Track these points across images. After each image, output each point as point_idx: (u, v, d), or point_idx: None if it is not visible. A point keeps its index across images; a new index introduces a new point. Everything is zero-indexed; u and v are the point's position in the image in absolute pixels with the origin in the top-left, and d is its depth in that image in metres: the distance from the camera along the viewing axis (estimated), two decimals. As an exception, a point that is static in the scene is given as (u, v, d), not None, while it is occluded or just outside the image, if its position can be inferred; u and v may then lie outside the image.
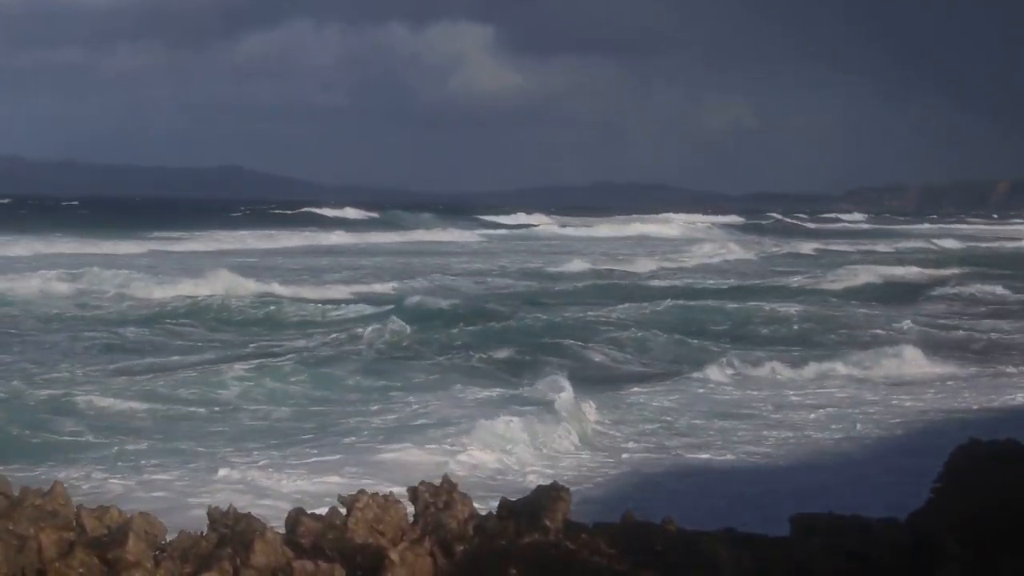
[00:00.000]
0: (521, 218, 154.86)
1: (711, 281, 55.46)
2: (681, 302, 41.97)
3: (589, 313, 38.59)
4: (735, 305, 41.25)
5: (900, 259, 75.78)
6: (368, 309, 38.03)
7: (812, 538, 7.86)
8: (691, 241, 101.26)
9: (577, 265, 61.97)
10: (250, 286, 43.78)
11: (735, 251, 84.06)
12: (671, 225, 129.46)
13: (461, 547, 7.55)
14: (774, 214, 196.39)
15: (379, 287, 48.27)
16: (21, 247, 70.38)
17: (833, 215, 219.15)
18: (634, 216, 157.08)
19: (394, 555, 7.16)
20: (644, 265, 66.15)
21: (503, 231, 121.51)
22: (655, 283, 54.64)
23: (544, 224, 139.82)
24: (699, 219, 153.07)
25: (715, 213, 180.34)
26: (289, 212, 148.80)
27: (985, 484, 8.50)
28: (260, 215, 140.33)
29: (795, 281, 55.14)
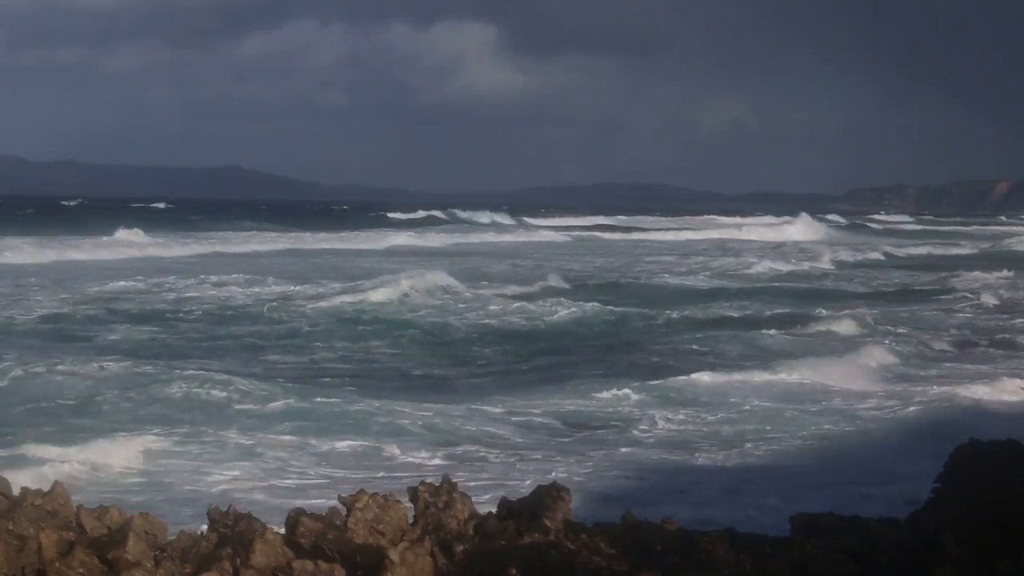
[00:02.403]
0: (585, 220, 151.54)
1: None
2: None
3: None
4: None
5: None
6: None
7: (812, 538, 7.87)
8: (827, 243, 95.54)
9: (765, 266, 61.07)
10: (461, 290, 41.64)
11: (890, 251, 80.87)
12: (794, 227, 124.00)
13: (461, 547, 7.56)
14: (833, 216, 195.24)
15: (554, 283, 47.84)
16: (195, 247, 72.04)
17: (870, 216, 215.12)
18: (706, 219, 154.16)
19: (394, 555, 7.17)
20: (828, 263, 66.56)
21: (579, 232, 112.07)
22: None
23: (607, 224, 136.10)
24: (751, 221, 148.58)
25: (761, 214, 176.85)
26: (379, 215, 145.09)
27: (985, 484, 8.51)
28: (338, 216, 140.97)
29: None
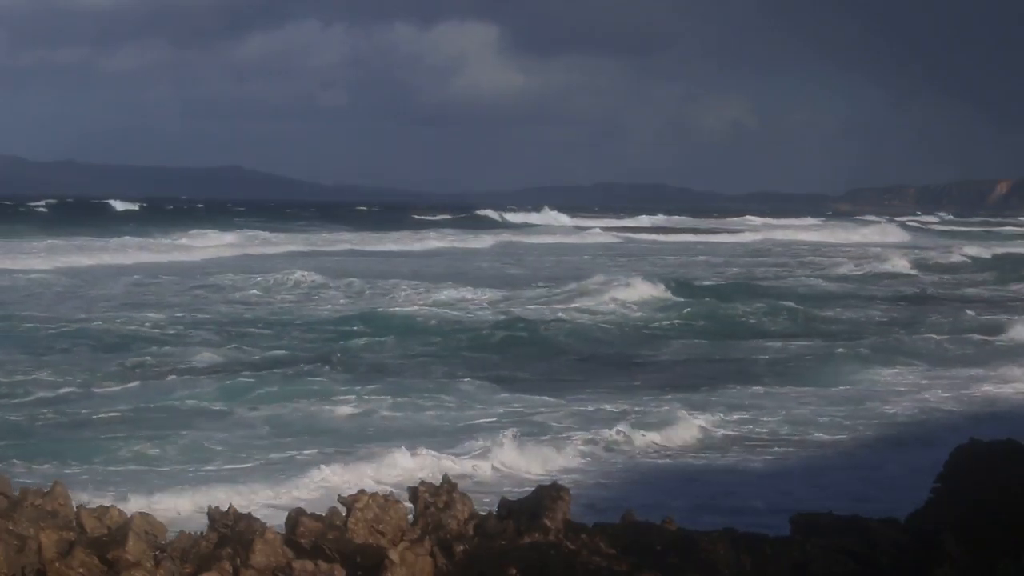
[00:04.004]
0: (642, 221, 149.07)
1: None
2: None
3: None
4: None
5: None
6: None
7: (812, 538, 7.87)
8: (911, 246, 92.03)
9: (900, 264, 60.81)
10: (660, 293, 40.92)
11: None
12: (870, 229, 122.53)
13: (461, 547, 7.55)
14: (870, 216, 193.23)
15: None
16: (289, 245, 72.63)
17: (908, 217, 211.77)
18: (742, 220, 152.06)
19: (394, 555, 7.17)
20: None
21: (626, 234, 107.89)
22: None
23: (646, 226, 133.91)
24: (791, 222, 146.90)
25: (792, 216, 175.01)
26: (431, 216, 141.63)
27: (985, 484, 8.50)
28: (376, 217, 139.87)
29: None
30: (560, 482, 8.54)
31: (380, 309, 35.32)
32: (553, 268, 60.14)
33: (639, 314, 36.35)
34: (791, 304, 38.80)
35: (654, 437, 18.64)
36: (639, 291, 39.74)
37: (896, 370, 26.06)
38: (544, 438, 18.17)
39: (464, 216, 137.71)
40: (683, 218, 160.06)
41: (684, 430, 19.10)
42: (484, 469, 16.45)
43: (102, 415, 19.65)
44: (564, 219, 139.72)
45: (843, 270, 59.25)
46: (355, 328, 31.41)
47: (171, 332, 29.85)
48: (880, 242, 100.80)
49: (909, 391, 23.46)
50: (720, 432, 19.39)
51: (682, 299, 39.57)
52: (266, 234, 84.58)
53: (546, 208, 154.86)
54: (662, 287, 41.18)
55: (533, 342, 30.33)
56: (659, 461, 17.79)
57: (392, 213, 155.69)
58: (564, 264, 63.69)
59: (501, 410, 20.61)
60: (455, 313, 35.04)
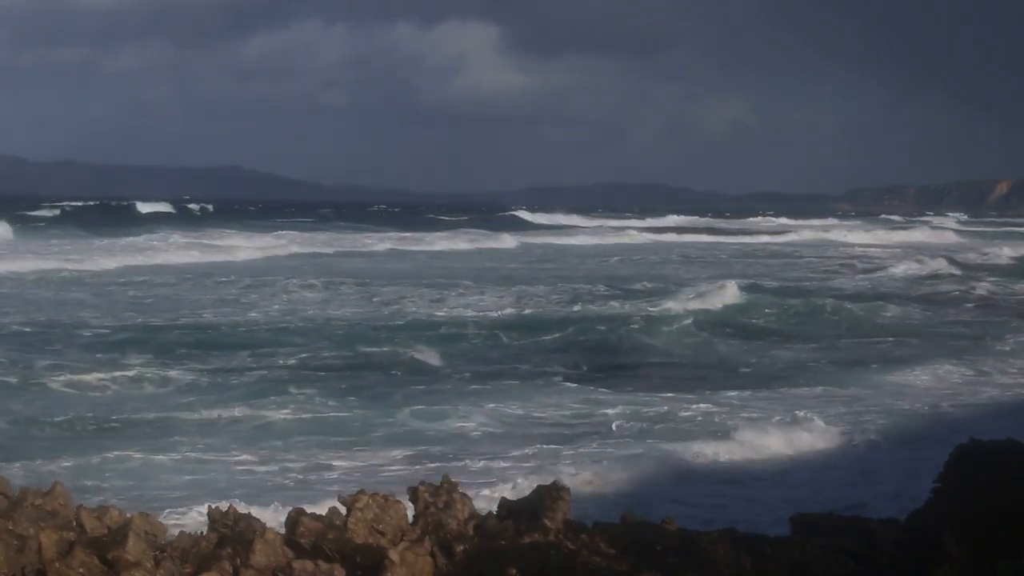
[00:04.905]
0: (671, 220, 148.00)
1: None
2: None
3: None
4: None
5: None
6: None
7: (812, 538, 7.87)
8: (956, 248, 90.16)
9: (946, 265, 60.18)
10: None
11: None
12: (922, 230, 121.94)
13: (461, 547, 7.55)
14: (893, 216, 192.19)
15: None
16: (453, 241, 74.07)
17: (925, 217, 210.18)
18: (757, 221, 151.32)
19: (394, 555, 7.16)
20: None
21: (658, 236, 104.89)
22: None
23: (674, 226, 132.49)
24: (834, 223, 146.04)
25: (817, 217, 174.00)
26: (452, 217, 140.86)
27: (985, 484, 8.50)
28: (400, 217, 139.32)
29: None
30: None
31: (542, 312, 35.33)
32: (635, 268, 59.90)
33: (756, 319, 36.35)
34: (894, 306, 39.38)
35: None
36: (731, 293, 39.72)
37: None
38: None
39: (486, 217, 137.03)
40: (705, 219, 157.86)
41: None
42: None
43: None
44: (581, 219, 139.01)
45: (909, 271, 58.59)
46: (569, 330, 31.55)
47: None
48: (925, 243, 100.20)
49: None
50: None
51: (796, 301, 39.75)
52: (309, 235, 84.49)
53: (558, 209, 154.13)
54: (759, 290, 41.70)
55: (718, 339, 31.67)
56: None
57: (410, 214, 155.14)
58: (636, 265, 63.31)
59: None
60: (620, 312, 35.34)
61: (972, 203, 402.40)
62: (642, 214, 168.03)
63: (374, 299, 38.81)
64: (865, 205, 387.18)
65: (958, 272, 58.91)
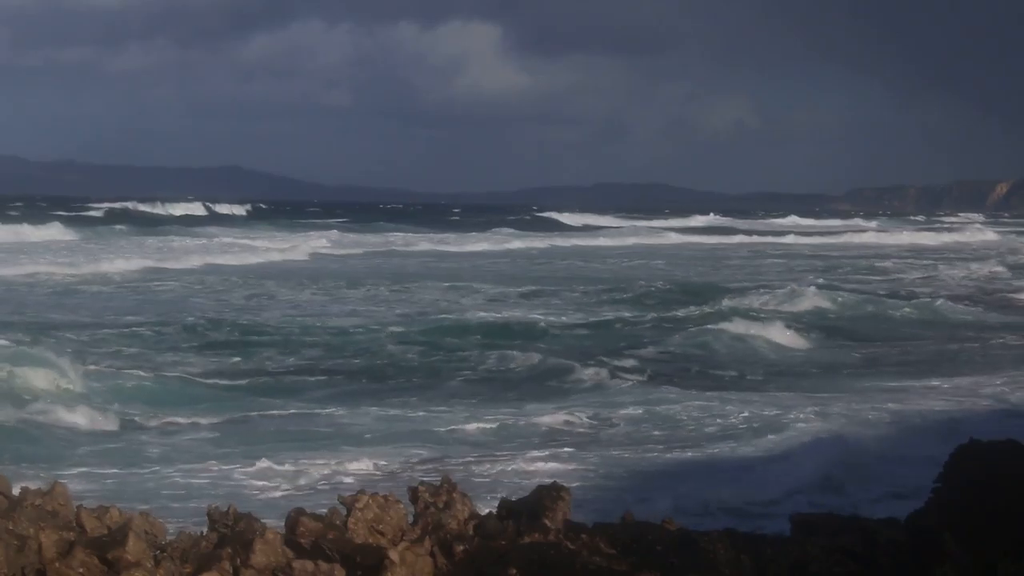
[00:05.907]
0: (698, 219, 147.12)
1: None
2: None
3: None
4: None
5: None
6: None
7: (812, 538, 7.87)
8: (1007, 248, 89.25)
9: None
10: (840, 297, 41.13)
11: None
12: (967, 232, 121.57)
13: (461, 547, 7.55)
14: (917, 217, 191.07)
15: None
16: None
17: (940, 218, 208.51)
18: (844, 225, 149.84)
19: (394, 555, 7.17)
20: None
21: (761, 237, 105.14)
22: None
23: (701, 226, 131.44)
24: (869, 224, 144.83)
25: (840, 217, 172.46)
26: (479, 218, 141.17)
27: (985, 484, 8.50)
28: (417, 216, 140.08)
29: None
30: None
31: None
32: (699, 269, 60.39)
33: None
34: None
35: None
36: (820, 298, 39.92)
37: None
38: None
39: (520, 217, 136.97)
40: (729, 219, 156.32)
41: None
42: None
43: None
44: (613, 220, 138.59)
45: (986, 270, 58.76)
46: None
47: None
48: (982, 242, 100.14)
49: None
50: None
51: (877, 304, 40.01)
52: (350, 235, 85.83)
53: (585, 210, 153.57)
54: (840, 295, 41.57)
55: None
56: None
57: (431, 213, 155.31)
58: (695, 266, 63.42)
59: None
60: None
61: (972, 203, 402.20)
62: (647, 215, 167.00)
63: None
64: (865, 205, 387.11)
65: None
